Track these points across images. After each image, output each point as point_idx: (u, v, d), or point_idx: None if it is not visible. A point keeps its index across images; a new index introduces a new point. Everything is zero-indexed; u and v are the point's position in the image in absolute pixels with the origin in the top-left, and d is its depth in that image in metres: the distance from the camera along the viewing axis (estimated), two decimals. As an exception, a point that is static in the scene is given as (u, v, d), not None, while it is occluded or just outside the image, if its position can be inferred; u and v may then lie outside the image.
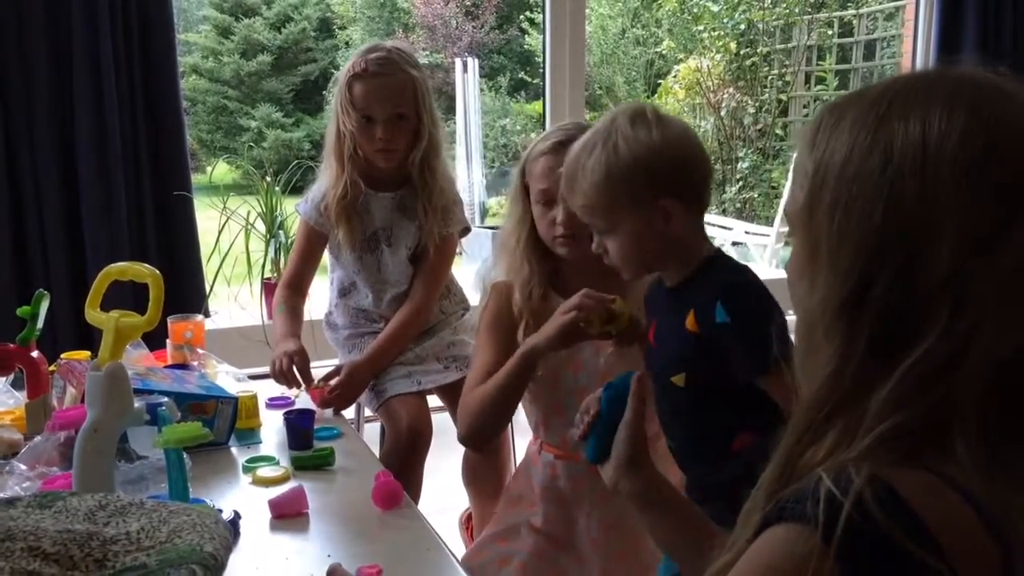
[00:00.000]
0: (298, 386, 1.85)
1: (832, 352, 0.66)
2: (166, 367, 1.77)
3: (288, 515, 1.29)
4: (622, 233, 1.30)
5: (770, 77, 7.64)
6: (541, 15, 3.93)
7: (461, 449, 2.00)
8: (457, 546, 1.84)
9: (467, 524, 2.09)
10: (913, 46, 4.05)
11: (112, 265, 1.23)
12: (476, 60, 7.08)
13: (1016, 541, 0.61)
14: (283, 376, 1.84)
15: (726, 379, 1.26)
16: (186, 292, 2.78)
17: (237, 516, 1.26)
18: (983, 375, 0.61)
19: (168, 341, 1.89)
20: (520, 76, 9.94)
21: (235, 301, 3.06)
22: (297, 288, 2.07)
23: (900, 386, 0.62)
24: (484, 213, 6.98)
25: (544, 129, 3.49)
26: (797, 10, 7.38)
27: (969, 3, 3.76)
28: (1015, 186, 0.60)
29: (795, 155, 0.73)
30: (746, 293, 1.27)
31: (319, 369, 2.37)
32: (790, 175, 0.81)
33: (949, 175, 0.60)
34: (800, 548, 0.60)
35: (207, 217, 2.99)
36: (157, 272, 1.17)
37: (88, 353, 1.82)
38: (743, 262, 1.37)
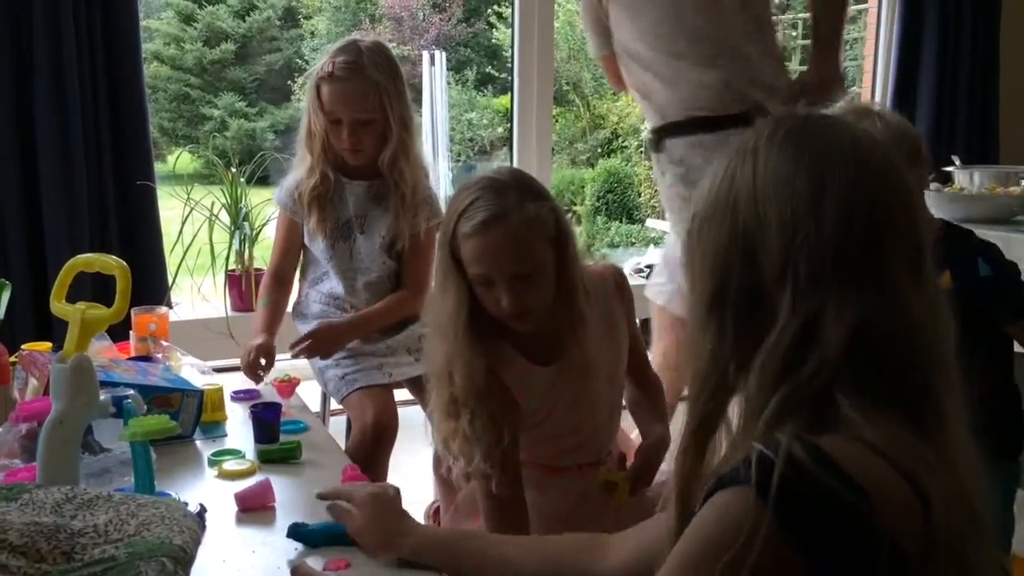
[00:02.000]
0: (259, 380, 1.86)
1: (708, 341, 0.79)
2: (130, 359, 1.76)
3: (254, 508, 1.29)
4: None
5: (735, 76, 7.70)
6: (509, 9, 3.93)
7: (427, 442, 2.02)
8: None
9: (434, 517, 2.09)
10: (875, 48, 4.13)
11: (78, 256, 1.22)
12: (443, 53, 7.05)
13: (931, 491, 0.69)
14: (250, 369, 1.86)
15: (971, 332, 1.45)
16: (148, 283, 2.75)
17: (203, 509, 1.26)
18: (839, 342, 0.72)
19: (132, 333, 1.87)
20: (487, 70, 9.92)
21: (199, 293, 3.03)
22: (281, 279, 2.09)
23: (771, 360, 0.74)
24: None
25: (511, 125, 3.50)
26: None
27: (929, 7, 3.83)
28: (817, 195, 0.75)
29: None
30: (998, 251, 1.55)
31: (288, 363, 2.36)
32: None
33: (771, 184, 0.77)
34: (738, 507, 0.68)
35: (168, 207, 2.96)
36: (124, 264, 1.16)
37: (50, 344, 1.79)
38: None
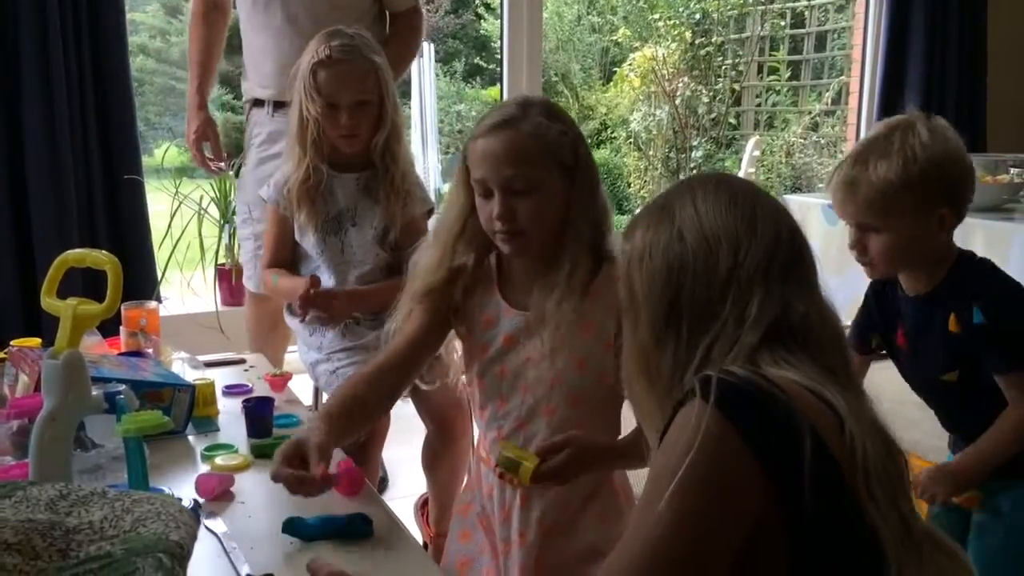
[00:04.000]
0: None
1: (670, 345, 0.93)
2: (120, 355, 1.75)
3: (217, 497, 1.29)
4: (895, 234, 1.41)
5: (724, 67, 7.71)
6: (498, 1, 3.92)
7: (417, 437, 2.02)
8: (413, 531, 1.85)
9: (423, 509, 2.10)
10: (863, 37, 4.13)
11: (68, 252, 1.20)
12: (432, 45, 7.02)
13: (838, 403, 0.86)
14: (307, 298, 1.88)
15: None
16: (137, 278, 2.74)
17: (197, 505, 1.26)
18: (765, 323, 0.90)
19: (122, 328, 1.86)
20: (475, 62, 9.89)
21: (188, 287, 3.02)
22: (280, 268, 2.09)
23: (714, 340, 0.91)
24: (440, 200, 6.93)
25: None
26: (750, 0, 7.46)
27: (917, -4, 3.84)
28: (753, 218, 0.94)
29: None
30: (1002, 297, 1.43)
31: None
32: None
33: (712, 215, 0.94)
34: (687, 415, 0.83)
35: (155, 201, 2.94)
36: (116, 259, 1.14)
37: (39, 340, 1.78)
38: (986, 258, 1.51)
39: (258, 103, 2.41)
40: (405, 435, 2.13)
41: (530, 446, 1.38)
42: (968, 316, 1.40)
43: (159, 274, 2.88)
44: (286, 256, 2.08)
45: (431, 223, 1.56)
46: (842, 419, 0.85)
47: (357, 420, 1.39)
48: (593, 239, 1.38)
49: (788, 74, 7.39)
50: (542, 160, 1.33)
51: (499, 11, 3.58)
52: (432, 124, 6.53)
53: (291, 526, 1.19)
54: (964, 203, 1.44)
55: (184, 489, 1.31)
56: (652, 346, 0.95)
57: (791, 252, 0.95)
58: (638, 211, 1.05)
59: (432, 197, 2.20)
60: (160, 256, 2.91)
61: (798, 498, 0.80)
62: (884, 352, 1.60)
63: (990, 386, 1.43)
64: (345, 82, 1.91)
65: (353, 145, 1.98)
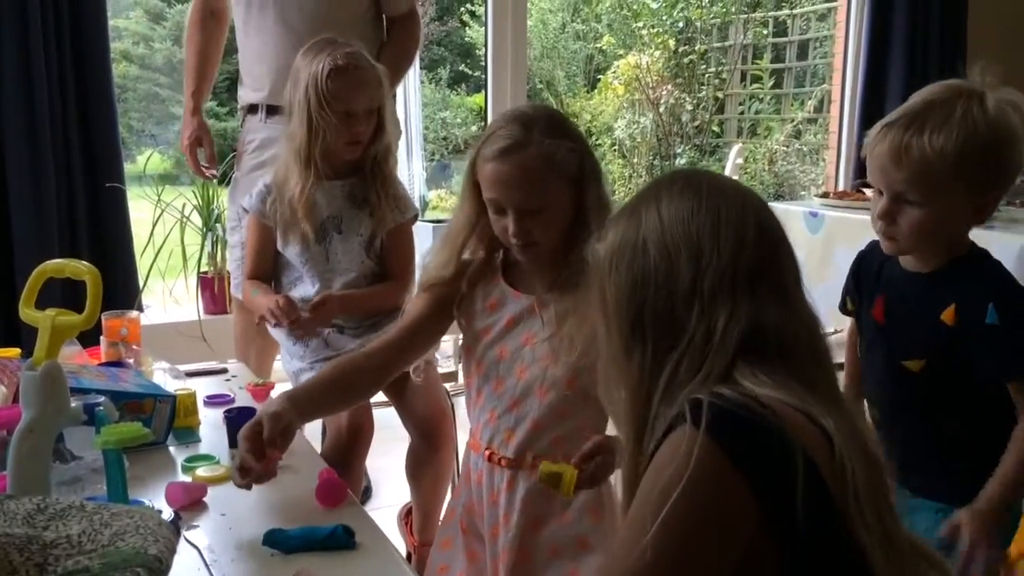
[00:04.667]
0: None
1: (637, 356, 0.92)
2: (100, 365, 1.73)
3: (187, 507, 1.29)
4: (933, 212, 1.30)
5: (707, 75, 7.74)
6: (483, 7, 3.93)
7: (401, 446, 2.01)
8: (396, 541, 1.84)
9: (406, 519, 2.09)
10: (844, 46, 4.17)
11: (47, 262, 1.19)
12: (417, 52, 7.01)
13: (826, 423, 0.84)
14: (280, 312, 1.86)
15: (964, 375, 1.33)
16: (118, 287, 2.71)
17: (177, 517, 1.25)
18: (735, 340, 0.87)
19: (102, 338, 1.85)
20: (460, 68, 9.89)
21: (170, 296, 2.99)
22: (260, 280, 2.07)
23: (682, 358, 0.89)
24: (424, 206, 6.93)
25: (485, 123, 3.50)
26: (733, 9, 7.50)
27: (898, 6, 3.88)
28: (716, 225, 0.91)
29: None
30: (1019, 299, 1.31)
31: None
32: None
33: (676, 222, 0.92)
34: (678, 440, 0.81)
35: (137, 208, 2.92)
36: (95, 269, 1.14)
37: (18, 351, 1.77)
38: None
39: (252, 109, 2.40)
40: (389, 444, 2.12)
41: (521, 425, 1.44)
42: (972, 312, 1.29)
43: (141, 282, 2.85)
44: (268, 267, 2.07)
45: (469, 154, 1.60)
46: (831, 439, 0.83)
47: (335, 394, 1.46)
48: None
49: (771, 82, 7.43)
50: (552, 179, 1.39)
51: (484, 19, 3.59)
52: (417, 131, 6.52)
53: (272, 538, 1.18)
54: (1007, 193, 1.33)
55: (160, 501, 1.30)
56: (622, 356, 0.93)
57: (759, 257, 0.90)
58: (613, 214, 1.03)
59: (417, 204, 2.20)
60: (142, 264, 2.89)
61: (790, 523, 0.79)
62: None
63: (948, 390, 1.36)
64: (362, 89, 1.93)
65: (355, 152, 1.99)
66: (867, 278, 1.49)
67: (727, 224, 0.91)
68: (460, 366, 1.57)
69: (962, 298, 1.31)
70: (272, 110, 2.32)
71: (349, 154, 1.98)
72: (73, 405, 1.15)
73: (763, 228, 0.92)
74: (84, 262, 1.18)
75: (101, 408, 1.21)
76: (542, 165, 1.37)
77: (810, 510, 0.79)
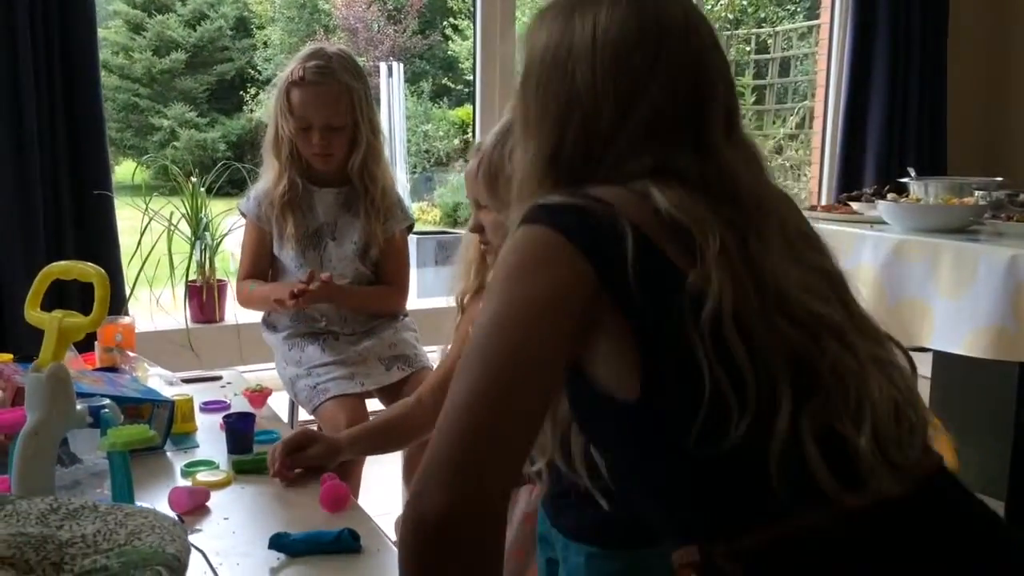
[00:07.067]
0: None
1: (547, 191, 0.87)
2: (95, 370, 1.72)
3: (191, 512, 1.28)
4: None
5: (689, 90, 7.80)
6: (470, 22, 3.94)
7: (396, 455, 2.00)
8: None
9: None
10: (827, 64, 4.22)
11: (54, 264, 1.18)
12: (400, 64, 7.03)
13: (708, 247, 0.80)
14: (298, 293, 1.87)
15: None
16: (107, 294, 2.69)
17: (181, 521, 1.24)
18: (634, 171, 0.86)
19: (97, 344, 1.83)
20: (443, 82, 9.92)
21: (157, 304, 2.97)
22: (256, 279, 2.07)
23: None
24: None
25: (472, 136, 3.51)
26: (717, 26, 7.58)
27: (880, 24, 3.94)
28: (651, 67, 0.85)
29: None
30: None
31: (252, 374, 2.32)
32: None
33: (610, 55, 0.85)
34: (524, 233, 0.81)
35: (122, 217, 2.90)
36: (103, 271, 1.13)
37: (10, 356, 1.75)
38: None
39: None
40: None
41: None
42: None
43: (128, 291, 2.83)
44: (264, 269, 2.08)
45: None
46: (703, 254, 0.80)
47: (390, 439, 1.58)
48: None
49: (753, 99, 7.51)
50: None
51: (468, 32, 3.60)
52: (401, 143, 6.53)
53: (278, 541, 1.17)
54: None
55: (163, 505, 1.28)
56: (535, 182, 0.90)
57: (688, 110, 0.86)
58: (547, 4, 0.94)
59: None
60: (128, 273, 2.86)
61: (624, 289, 0.78)
62: None
63: None
64: (316, 105, 1.92)
65: (327, 164, 1.99)
66: None
67: (663, 67, 0.86)
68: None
69: None
70: None
71: (321, 164, 1.99)
72: (78, 408, 1.14)
73: (704, 74, 0.88)
74: (91, 264, 1.17)
75: (107, 411, 1.20)
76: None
77: (649, 287, 0.78)
